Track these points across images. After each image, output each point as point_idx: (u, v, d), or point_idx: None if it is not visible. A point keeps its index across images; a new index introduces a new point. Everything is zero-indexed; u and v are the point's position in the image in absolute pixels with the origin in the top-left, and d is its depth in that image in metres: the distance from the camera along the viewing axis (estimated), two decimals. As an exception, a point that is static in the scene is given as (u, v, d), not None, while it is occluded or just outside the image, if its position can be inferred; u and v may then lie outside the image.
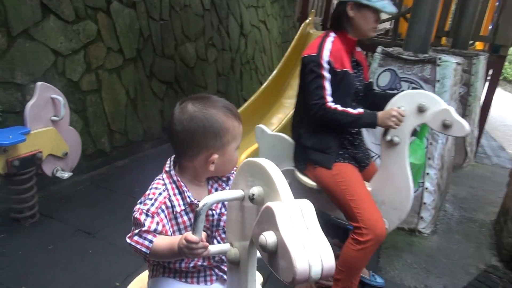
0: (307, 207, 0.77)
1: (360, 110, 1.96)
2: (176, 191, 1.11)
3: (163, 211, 1.07)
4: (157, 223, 1.05)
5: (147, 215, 1.04)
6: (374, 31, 2.03)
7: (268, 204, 0.76)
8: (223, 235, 1.16)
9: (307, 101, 1.97)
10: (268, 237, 0.74)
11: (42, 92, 2.55)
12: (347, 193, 1.97)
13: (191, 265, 1.14)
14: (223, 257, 1.17)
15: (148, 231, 1.03)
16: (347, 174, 2.02)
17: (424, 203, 3.08)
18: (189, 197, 1.11)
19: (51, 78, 3.28)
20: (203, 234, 0.94)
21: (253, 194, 0.84)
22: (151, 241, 1.02)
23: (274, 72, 4.87)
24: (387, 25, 7.78)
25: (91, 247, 2.38)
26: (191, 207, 1.11)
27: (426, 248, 2.93)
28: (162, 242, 1.02)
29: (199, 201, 1.09)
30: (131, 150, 4.13)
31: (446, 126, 1.85)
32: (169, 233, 1.07)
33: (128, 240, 1.04)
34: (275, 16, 7.99)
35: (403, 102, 1.97)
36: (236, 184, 0.96)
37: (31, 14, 3.14)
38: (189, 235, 0.92)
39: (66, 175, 2.69)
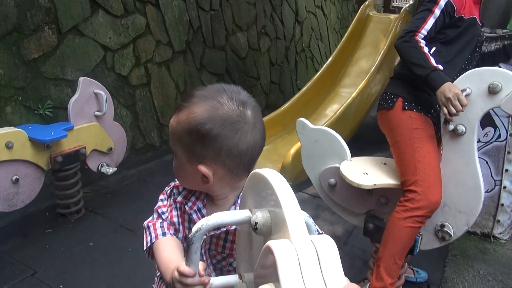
0: (327, 248, 0.54)
1: (440, 66, 1.68)
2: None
3: (169, 196, 1.02)
4: (166, 208, 1.00)
5: (161, 200, 1.03)
6: None
7: (270, 243, 0.54)
8: (225, 253, 0.95)
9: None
10: (265, 295, 0.53)
11: (84, 87, 2.53)
12: (417, 144, 1.77)
13: None
14: None
15: (158, 216, 0.99)
16: (427, 128, 1.81)
17: (502, 205, 2.68)
18: (186, 203, 0.98)
19: (100, 73, 3.30)
20: (201, 265, 0.75)
21: (256, 223, 0.62)
22: (151, 241, 0.95)
23: (330, 59, 4.57)
24: None
25: (131, 245, 2.33)
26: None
27: (503, 257, 2.56)
28: (163, 252, 0.92)
29: (197, 210, 0.97)
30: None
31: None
32: (174, 219, 0.98)
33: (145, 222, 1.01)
34: (333, 1, 7.58)
35: (469, 83, 1.64)
36: (243, 202, 0.76)
37: (80, 10, 3.16)
38: (182, 265, 0.74)
39: (110, 170, 2.68)
